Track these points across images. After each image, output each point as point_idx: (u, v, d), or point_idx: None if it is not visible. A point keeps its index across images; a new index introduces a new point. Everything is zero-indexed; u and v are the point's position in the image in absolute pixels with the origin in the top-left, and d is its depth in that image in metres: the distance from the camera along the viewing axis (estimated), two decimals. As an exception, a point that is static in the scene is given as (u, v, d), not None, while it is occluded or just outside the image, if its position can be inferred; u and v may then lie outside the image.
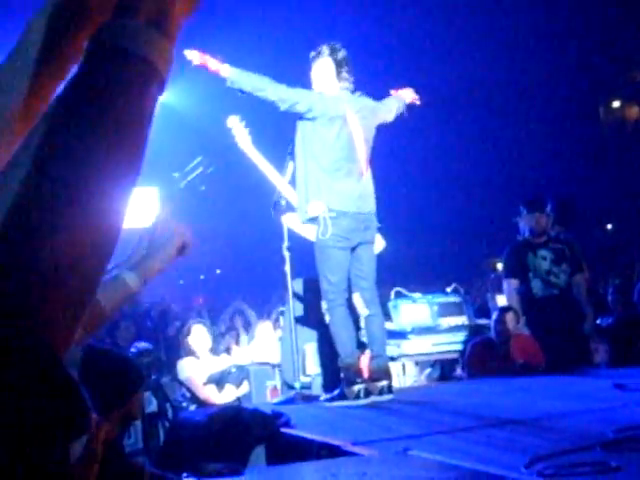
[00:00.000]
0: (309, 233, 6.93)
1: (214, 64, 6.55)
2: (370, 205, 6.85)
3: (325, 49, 7.02)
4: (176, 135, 15.51)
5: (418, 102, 7.39)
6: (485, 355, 8.26)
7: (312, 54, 7.09)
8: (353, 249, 6.74)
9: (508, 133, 14.33)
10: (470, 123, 14.36)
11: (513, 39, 13.97)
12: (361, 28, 13.52)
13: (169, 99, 16.51)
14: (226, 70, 6.56)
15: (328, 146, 6.70)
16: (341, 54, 7.00)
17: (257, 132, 7.49)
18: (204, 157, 16.23)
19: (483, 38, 14.04)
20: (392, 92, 7.38)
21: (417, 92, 7.43)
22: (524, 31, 13.84)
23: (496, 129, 14.37)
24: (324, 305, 6.72)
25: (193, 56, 6.53)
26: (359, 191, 6.78)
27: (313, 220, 6.68)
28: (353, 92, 7.01)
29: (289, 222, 7.29)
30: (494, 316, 8.46)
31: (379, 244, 7.28)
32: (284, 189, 7.40)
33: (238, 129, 7.38)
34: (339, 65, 6.98)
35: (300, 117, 6.76)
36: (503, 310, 8.44)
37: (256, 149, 7.45)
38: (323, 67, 7.00)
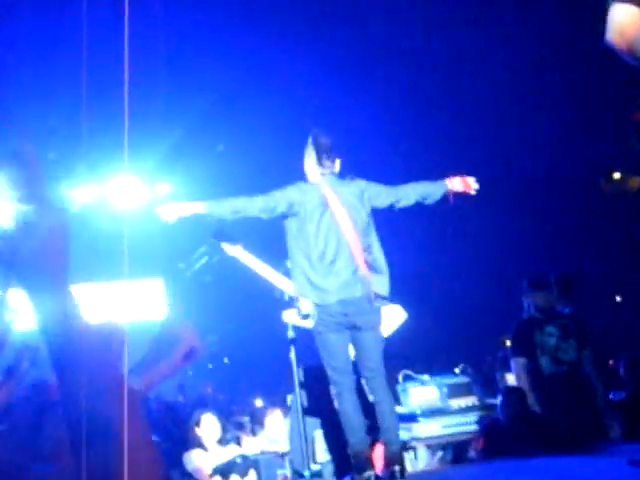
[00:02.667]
0: (309, 324, 6.89)
1: (186, 208, 6.62)
2: (360, 290, 6.67)
3: (310, 136, 7.08)
4: (180, 225, 15.57)
5: (473, 192, 7.28)
6: (496, 436, 8.17)
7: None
8: (351, 332, 6.68)
9: (510, 213, 14.36)
10: (472, 205, 14.41)
11: (511, 119, 14.06)
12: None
13: (171, 190, 16.62)
14: (200, 207, 6.61)
15: (311, 238, 6.67)
16: (322, 140, 7.04)
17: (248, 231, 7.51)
18: (209, 246, 16.28)
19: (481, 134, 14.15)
20: (447, 180, 7.25)
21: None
22: (520, 107, 13.92)
23: (498, 210, 14.40)
24: (332, 391, 6.67)
25: (163, 213, 6.64)
26: (344, 280, 6.65)
27: (307, 316, 6.67)
28: (342, 177, 7.01)
29: (289, 317, 7.26)
30: (499, 398, 8.40)
31: (399, 317, 7.25)
32: (284, 286, 7.38)
33: (230, 248, 7.42)
34: (319, 151, 6.99)
35: (285, 216, 6.78)
36: (509, 391, 8.37)
37: (247, 253, 7.46)
38: (308, 154, 7.06)
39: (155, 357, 2.80)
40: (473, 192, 7.21)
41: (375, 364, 6.69)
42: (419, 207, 7.17)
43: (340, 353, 6.60)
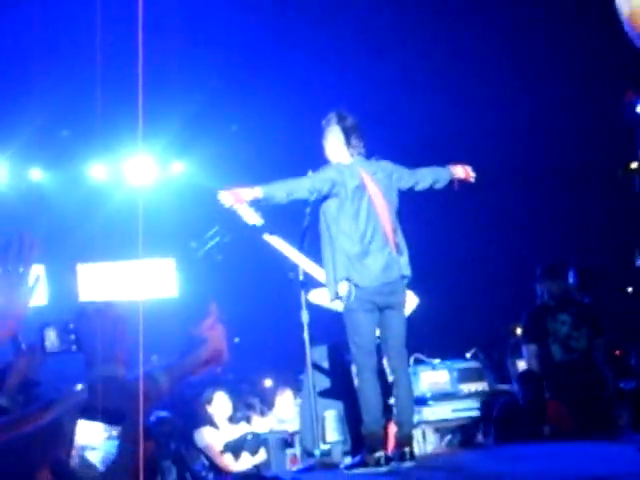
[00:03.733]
0: (338, 306, 6.90)
1: (247, 193, 6.61)
2: (397, 272, 6.79)
3: (333, 117, 7.07)
4: (193, 204, 15.58)
5: (472, 180, 7.36)
6: (512, 419, 8.19)
7: (323, 122, 7.15)
8: (381, 312, 6.73)
9: (527, 200, 14.33)
10: (490, 192, 14.38)
11: (527, 109, 14.02)
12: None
13: (184, 169, 16.63)
14: (258, 192, 6.59)
15: (352, 219, 6.71)
16: (349, 121, 7.04)
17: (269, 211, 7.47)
18: (221, 226, 16.28)
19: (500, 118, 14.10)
20: (450, 167, 7.33)
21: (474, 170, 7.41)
22: (536, 99, 13.89)
23: (514, 196, 14.38)
24: (353, 369, 6.72)
25: (227, 199, 6.62)
26: (384, 261, 6.74)
27: (339, 297, 6.69)
28: (368, 157, 7.04)
29: (316, 298, 7.25)
30: (518, 381, 8.41)
31: (411, 302, 7.29)
32: (306, 266, 7.37)
33: (248, 213, 7.32)
34: (347, 132, 7.00)
35: (325, 198, 6.80)
36: (527, 374, 8.38)
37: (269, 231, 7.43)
38: (332, 135, 7.05)
39: (182, 353, 2.81)
40: (472, 180, 7.30)
41: (400, 344, 6.80)
42: (428, 191, 7.22)
43: (368, 333, 6.65)
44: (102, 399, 2.51)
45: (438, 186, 7.24)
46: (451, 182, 7.26)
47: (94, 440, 2.51)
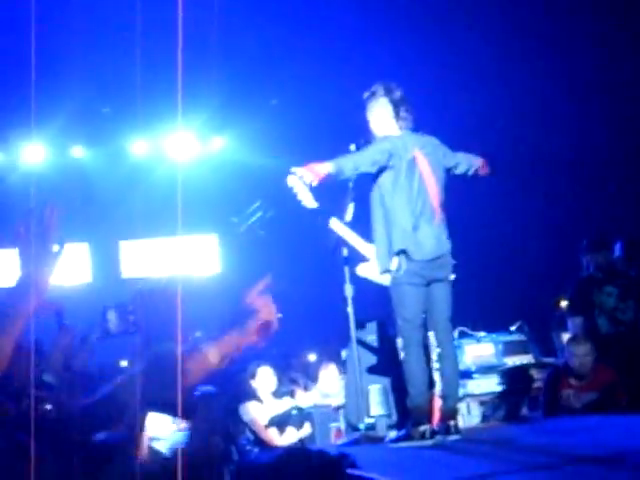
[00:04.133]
0: (386, 280, 6.87)
1: (322, 168, 6.55)
2: (446, 246, 6.79)
3: (380, 89, 6.98)
4: (234, 180, 15.59)
5: (486, 173, 7.30)
6: (561, 385, 8.15)
7: (366, 94, 7.07)
8: (428, 286, 6.70)
9: (574, 172, 14.18)
10: (537, 164, 14.26)
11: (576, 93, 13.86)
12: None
13: (225, 145, 16.62)
14: (329, 167, 6.52)
15: (406, 193, 6.68)
16: (398, 93, 6.96)
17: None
18: (263, 201, 16.27)
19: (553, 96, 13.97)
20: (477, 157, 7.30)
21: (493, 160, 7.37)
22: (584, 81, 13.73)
23: (562, 168, 14.25)
24: (399, 342, 6.70)
25: (306, 176, 6.55)
26: (435, 235, 6.75)
27: (389, 271, 6.66)
28: (415, 131, 6.98)
29: (364, 272, 7.20)
30: (568, 345, 8.32)
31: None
32: (354, 241, 7.31)
33: (299, 186, 7.24)
34: (396, 105, 6.94)
35: (380, 171, 6.75)
36: (575, 340, 8.30)
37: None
38: (380, 108, 6.98)
39: (232, 325, 2.78)
40: (486, 173, 7.25)
41: (446, 317, 6.81)
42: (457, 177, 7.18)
43: (417, 307, 6.64)
44: (163, 386, 2.49)
45: (470, 173, 7.21)
46: (477, 171, 7.24)
47: (163, 432, 2.52)
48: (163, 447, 2.51)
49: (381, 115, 6.95)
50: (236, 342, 2.83)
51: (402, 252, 6.59)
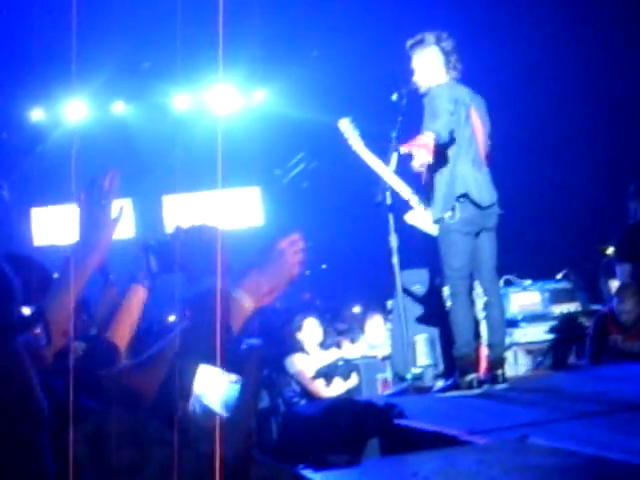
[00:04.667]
0: (434, 229, 6.83)
1: (429, 140, 6.45)
2: (495, 194, 6.76)
3: (430, 37, 6.84)
4: (276, 132, 15.57)
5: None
6: (609, 330, 8.14)
7: (411, 42, 6.95)
8: (477, 235, 6.66)
9: (619, 119, 14.03)
10: (582, 115, 14.13)
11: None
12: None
13: (267, 97, 16.59)
14: (432, 137, 6.43)
15: (467, 141, 6.64)
16: (449, 42, 6.85)
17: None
18: (306, 153, 16.26)
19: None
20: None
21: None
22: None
23: (612, 113, 14.10)
24: (446, 291, 6.66)
25: (423, 157, 6.45)
26: (488, 182, 6.75)
27: (440, 219, 6.61)
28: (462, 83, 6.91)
29: (413, 219, 7.16)
30: (617, 295, 8.27)
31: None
32: (399, 187, 7.26)
33: (349, 131, 7.23)
34: (448, 54, 6.83)
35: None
36: (625, 287, 8.22)
37: (367, 149, 7.30)
38: (429, 56, 6.85)
39: (259, 269, 2.73)
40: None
41: (492, 266, 6.81)
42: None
43: (467, 255, 6.61)
44: (210, 334, 2.47)
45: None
46: None
47: (214, 385, 2.49)
48: (215, 403, 2.48)
49: (432, 63, 6.83)
50: (264, 282, 2.79)
51: (463, 196, 6.53)
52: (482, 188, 6.65)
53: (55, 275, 3.00)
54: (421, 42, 6.83)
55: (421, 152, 6.39)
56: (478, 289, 6.85)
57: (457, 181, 6.57)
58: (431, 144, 6.37)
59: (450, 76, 6.82)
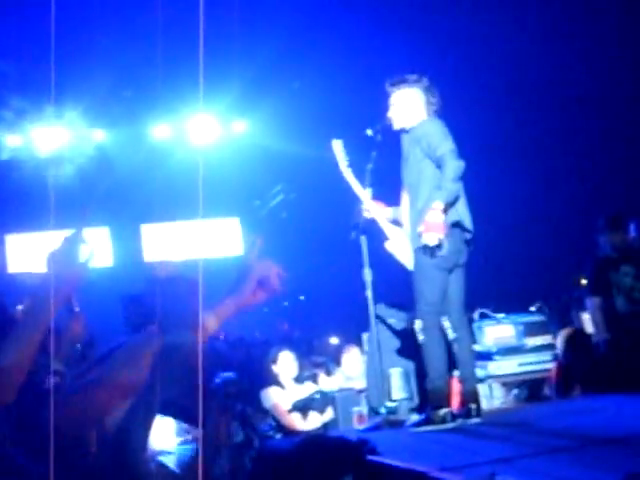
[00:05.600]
0: (409, 261, 6.91)
1: (440, 218, 6.49)
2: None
3: (411, 76, 7.04)
4: (256, 163, 15.62)
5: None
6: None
7: (391, 82, 7.08)
8: (451, 272, 6.75)
9: (590, 152, 14.14)
10: (554, 145, 14.24)
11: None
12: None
13: (247, 128, 16.63)
14: (441, 205, 6.46)
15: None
16: (426, 80, 7.02)
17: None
18: (285, 184, 16.31)
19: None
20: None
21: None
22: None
23: (578, 149, 14.22)
24: (418, 324, 6.72)
25: (436, 235, 6.50)
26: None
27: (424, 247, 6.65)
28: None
29: (392, 248, 7.23)
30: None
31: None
32: (379, 217, 7.34)
33: (340, 154, 7.38)
34: (428, 92, 7.00)
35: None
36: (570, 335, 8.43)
37: (353, 174, 7.41)
38: (412, 94, 7.02)
39: (227, 292, 2.80)
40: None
41: (462, 301, 6.91)
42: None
43: (442, 290, 6.68)
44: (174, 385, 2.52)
45: None
46: None
47: (169, 445, 2.52)
48: (171, 462, 2.51)
49: (413, 101, 7.00)
50: (234, 305, 2.84)
51: (456, 224, 6.61)
52: (469, 220, 6.77)
53: (19, 308, 2.99)
54: (403, 81, 7.00)
55: (431, 235, 6.47)
56: (446, 324, 6.90)
57: (450, 208, 6.67)
58: (441, 220, 6.46)
59: (429, 112, 6.96)
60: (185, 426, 2.54)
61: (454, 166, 6.50)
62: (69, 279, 2.71)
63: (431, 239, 6.43)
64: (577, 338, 8.65)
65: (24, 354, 2.53)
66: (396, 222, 7.19)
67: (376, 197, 7.33)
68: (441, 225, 6.43)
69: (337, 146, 7.40)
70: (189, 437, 2.53)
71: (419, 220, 6.64)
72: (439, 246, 6.51)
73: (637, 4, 12.61)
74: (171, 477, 2.48)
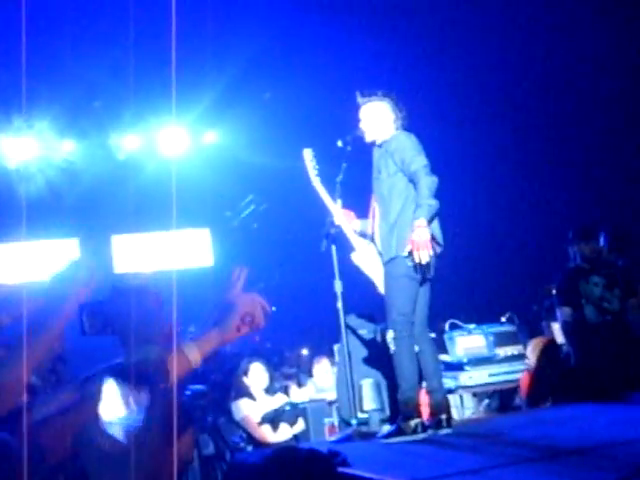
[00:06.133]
0: (375, 273, 6.92)
1: (426, 232, 6.49)
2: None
3: (379, 91, 7.09)
4: (227, 174, 15.59)
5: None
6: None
7: (362, 95, 7.12)
8: (420, 285, 6.76)
9: (562, 162, 14.22)
10: (524, 154, 14.30)
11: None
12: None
13: (217, 139, 16.60)
14: (425, 222, 6.49)
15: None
16: (394, 95, 7.07)
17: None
18: (255, 195, 16.29)
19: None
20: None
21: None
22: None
23: (549, 158, 14.29)
24: (390, 335, 6.69)
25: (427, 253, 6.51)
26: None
27: (394, 258, 6.66)
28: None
29: (357, 260, 7.24)
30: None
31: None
32: (347, 228, 7.34)
33: (309, 163, 7.39)
34: (396, 106, 7.05)
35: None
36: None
37: (322, 184, 7.42)
38: (382, 108, 7.07)
39: (213, 324, 2.79)
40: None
41: (426, 314, 6.91)
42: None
43: (413, 300, 6.68)
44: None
45: None
46: None
47: (116, 414, 2.51)
48: (118, 432, 2.50)
49: (383, 114, 7.04)
50: (217, 339, 2.84)
51: (431, 238, 6.59)
52: (440, 234, 6.78)
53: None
54: (373, 94, 7.05)
55: (423, 253, 6.49)
56: None
57: (434, 229, 6.66)
58: (428, 236, 6.47)
59: (397, 125, 6.99)
60: (130, 392, 2.53)
61: (428, 182, 6.53)
62: (72, 300, 2.73)
63: (424, 257, 6.44)
64: (548, 348, 8.70)
65: (22, 372, 2.54)
66: (363, 234, 7.19)
67: (346, 208, 7.33)
68: (429, 241, 6.45)
69: (307, 155, 7.41)
70: (133, 406, 2.52)
71: (391, 233, 6.69)
72: (428, 263, 6.55)
73: (635, 9, 12.65)
74: (118, 447, 2.46)
